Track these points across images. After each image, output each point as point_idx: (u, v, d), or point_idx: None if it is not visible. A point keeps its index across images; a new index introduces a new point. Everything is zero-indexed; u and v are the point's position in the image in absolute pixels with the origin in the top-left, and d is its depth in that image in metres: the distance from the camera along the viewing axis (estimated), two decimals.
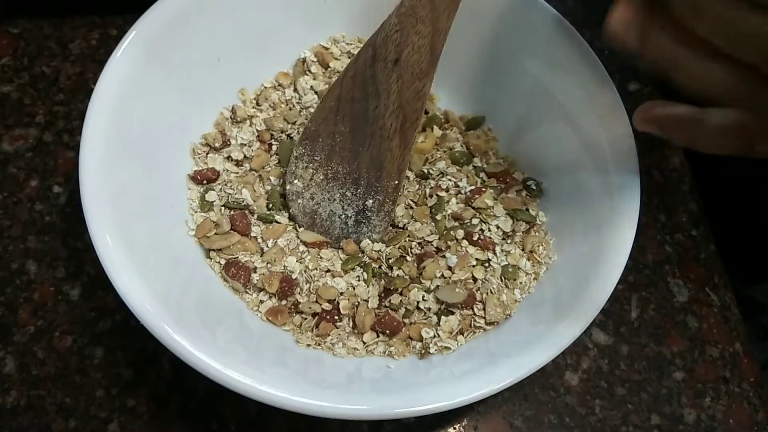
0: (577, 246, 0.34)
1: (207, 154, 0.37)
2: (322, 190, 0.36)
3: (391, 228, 0.37)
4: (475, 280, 0.35)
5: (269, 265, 0.34)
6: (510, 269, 0.34)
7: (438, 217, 0.36)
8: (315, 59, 0.40)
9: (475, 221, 0.36)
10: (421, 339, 0.33)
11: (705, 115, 0.27)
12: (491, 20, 0.38)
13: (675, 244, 0.42)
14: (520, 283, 0.34)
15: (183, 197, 0.35)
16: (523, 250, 0.35)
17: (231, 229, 0.35)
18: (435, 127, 0.39)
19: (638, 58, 0.26)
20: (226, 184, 0.36)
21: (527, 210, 0.36)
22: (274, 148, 0.38)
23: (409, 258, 0.35)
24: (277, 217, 0.36)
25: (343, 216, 0.36)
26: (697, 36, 0.23)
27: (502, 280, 0.34)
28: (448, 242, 0.35)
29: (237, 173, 0.37)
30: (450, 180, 0.37)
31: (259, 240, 0.35)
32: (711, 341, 0.39)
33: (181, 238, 0.34)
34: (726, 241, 0.43)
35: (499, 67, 0.39)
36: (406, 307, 0.33)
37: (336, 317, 0.33)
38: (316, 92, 0.40)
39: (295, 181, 0.36)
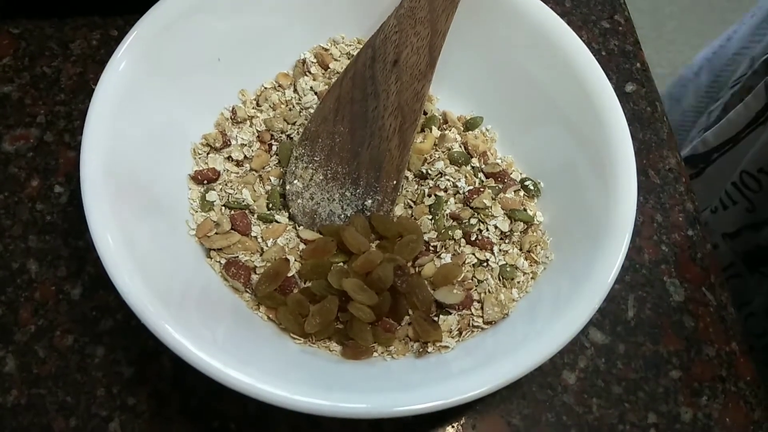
0: (574, 245, 0.34)
1: (207, 154, 0.37)
2: (322, 191, 0.36)
3: None
4: (472, 279, 0.35)
5: (269, 265, 0.34)
6: (508, 269, 0.35)
7: (436, 217, 0.36)
8: (315, 60, 0.40)
9: (473, 221, 0.36)
10: (419, 338, 0.33)
11: None
12: (489, 21, 0.38)
13: (671, 243, 0.42)
14: (518, 282, 0.35)
15: (184, 197, 0.35)
16: (520, 249, 0.35)
17: (231, 228, 0.35)
18: (434, 127, 0.39)
19: None
20: (226, 184, 0.36)
21: (525, 210, 0.37)
22: (274, 148, 0.38)
23: None
24: (277, 217, 0.36)
25: (343, 216, 0.36)
26: None
27: (499, 279, 0.35)
28: (447, 242, 0.35)
29: (237, 173, 0.37)
30: (448, 180, 0.37)
31: (259, 239, 0.35)
32: (707, 340, 0.40)
33: (182, 238, 0.34)
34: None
35: (498, 68, 0.39)
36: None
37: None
38: (315, 93, 0.40)
39: (295, 182, 0.36)
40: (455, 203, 0.37)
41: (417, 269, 0.35)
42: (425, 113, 0.40)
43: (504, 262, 0.35)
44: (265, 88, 0.40)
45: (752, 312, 0.52)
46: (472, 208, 0.36)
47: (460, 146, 0.39)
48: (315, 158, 0.36)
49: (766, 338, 0.51)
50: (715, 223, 0.55)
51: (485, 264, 0.35)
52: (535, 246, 0.35)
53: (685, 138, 0.68)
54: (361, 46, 0.36)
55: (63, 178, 0.40)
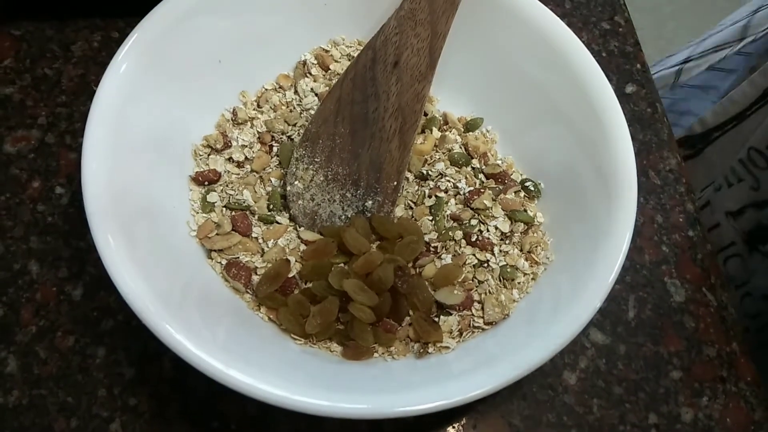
0: (574, 246, 0.34)
1: (208, 155, 0.37)
2: (323, 192, 0.36)
3: None
4: (473, 280, 0.35)
5: (270, 265, 0.34)
6: (508, 270, 0.35)
7: (437, 218, 0.36)
8: (315, 61, 0.41)
9: (473, 222, 0.36)
10: (419, 338, 0.33)
11: None
12: (490, 23, 0.38)
13: (672, 244, 0.42)
14: (518, 283, 0.35)
15: (184, 198, 0.36)
16: (521, 250, 0.36)
17: (232, 229, 0.35)
18: (434, 128, 0.39)
19: None
20: (227, 186, 0.37)
21: (525, 211, 0.37)
22: (275, 149, 0.38)
23: None
24: (277, 218, 0.36)
25: (343, 217, 0.36)
26: None
27: (500, 280, 0.35)
28: (447, 243, 0.35)
29: (238, 174, 0.37)
30: (449, 181, 0.37)
31: (260, 240, 0.35)
32: (708, 341, 0.40)
33: (183, 239, 0.34)
34: None
35: (498, 69, 0.39)
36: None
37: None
38: (316, 94, 0.40)
39: (296, 183, 0.36)
40: (456, 204, 0.37)
41: (417, 270, 0.35)
42: (426, 114, 0.40)
43: (504, 263, 0.35)
44: (266, 89, 0.40)
45: (748, 292, 0.52)
46: (472, 209, 0.36)
47: (461, 147, 0.39)
48: (316, 159, 0.36)
49: (761, 319, 0.51)
50: (718, 201, 0.54)
51: (486, 265, 0.35)
52: (536, 247, 0.35)
53: None
54: (362, 48, 0.36)
55: (64, 179, 0.40)
